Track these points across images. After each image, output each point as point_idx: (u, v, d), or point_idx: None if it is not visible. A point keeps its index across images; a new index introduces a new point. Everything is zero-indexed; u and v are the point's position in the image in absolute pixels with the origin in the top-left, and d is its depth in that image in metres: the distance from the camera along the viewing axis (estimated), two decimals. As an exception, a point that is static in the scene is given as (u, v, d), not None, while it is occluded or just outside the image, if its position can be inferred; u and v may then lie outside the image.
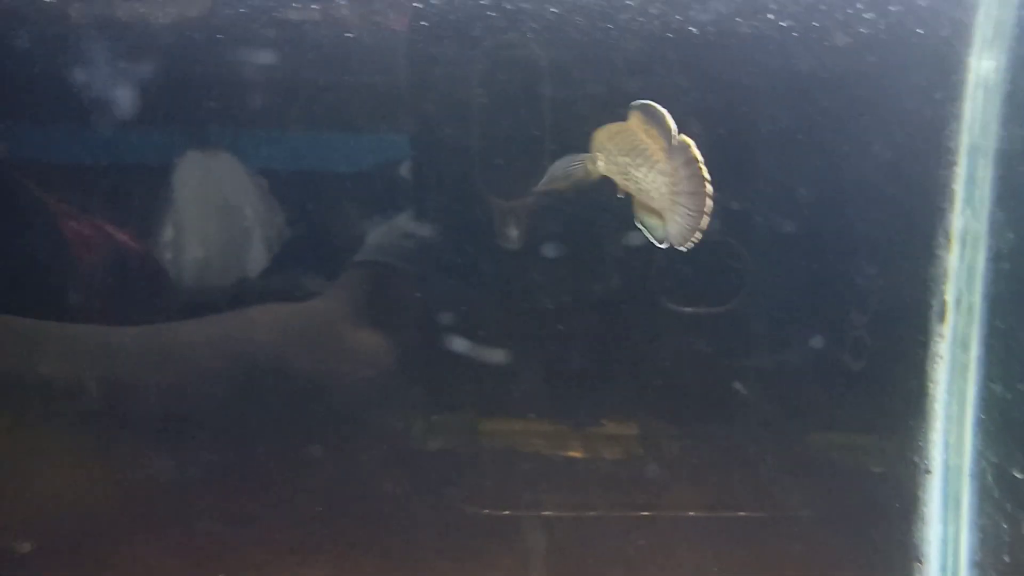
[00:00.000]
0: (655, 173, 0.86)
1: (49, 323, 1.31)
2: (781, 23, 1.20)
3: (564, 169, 1.00)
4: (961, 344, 1.28)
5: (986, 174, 1.25)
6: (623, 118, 0.92)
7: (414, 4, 1.20)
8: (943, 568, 1.31)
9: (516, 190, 1.27)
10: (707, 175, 0.80)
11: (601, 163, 0.96)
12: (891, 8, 1.22)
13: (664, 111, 0.83)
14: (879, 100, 1.26)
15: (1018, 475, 1.21)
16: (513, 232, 1.29)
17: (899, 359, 1.31)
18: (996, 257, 1.24)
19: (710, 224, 0.82)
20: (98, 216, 1.32)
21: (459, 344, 1.31)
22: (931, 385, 1.30)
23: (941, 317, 1.29)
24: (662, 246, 0.89)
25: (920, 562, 1.32)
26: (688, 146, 0.81)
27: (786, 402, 1.33)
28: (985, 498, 1.26)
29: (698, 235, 0.82)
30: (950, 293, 1.28)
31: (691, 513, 1.36)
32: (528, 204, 1.28)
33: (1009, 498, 1.23)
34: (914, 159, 1.27)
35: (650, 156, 0.86)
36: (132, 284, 1.35)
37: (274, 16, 1.21)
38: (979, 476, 1.27)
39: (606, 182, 0.97)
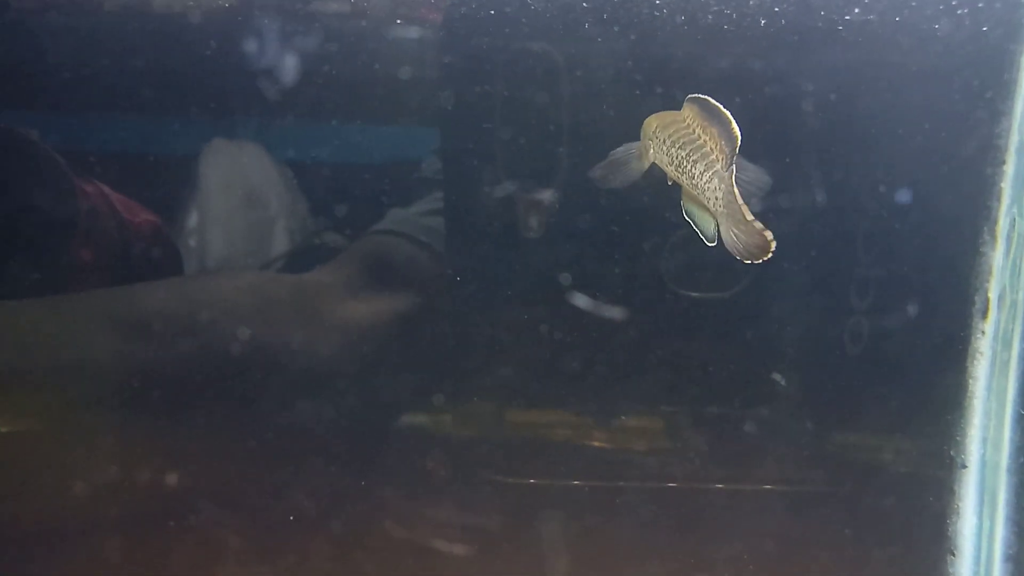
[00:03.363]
0: (712, 174, 0.84)
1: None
2: (825, 14, 1.20)
3: (615, 160, 1.00)
4: (1003, 341, 1.29)
5: (1035, 173, 1.25)
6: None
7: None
8: (976, 561, 1.33)
9: (538, 182, 1.29)
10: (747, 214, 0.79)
11: (651, 151, 0.95)
12: (942, 7, 1.22)
13: (729, 115, 0.81)
14: (930, 98, 1.26)
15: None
16: (534, 222, 1.31)
17: (940, 355, 1.32)
18: (1041, 256, 1.25)
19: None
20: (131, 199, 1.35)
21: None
22: (971, 381, 1.31)
23: (983, 314, 1.30)
24: (711, 244, 0.88)
25: (953, 554, 1.34)
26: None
27: (825, 395, 1.35)
28: (1022, 493, 1.28)
29: (768, 255, 0.81)
30: (993, 290, 1.29)
31: (718, 486, 1.38)
32: (549, 196, 1.30)
33: (1046, 494, 1.25)
34: (962, 157, 1.28)
35: (708, 154, 0.85)
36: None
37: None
38: (1017, 472, 1.28)
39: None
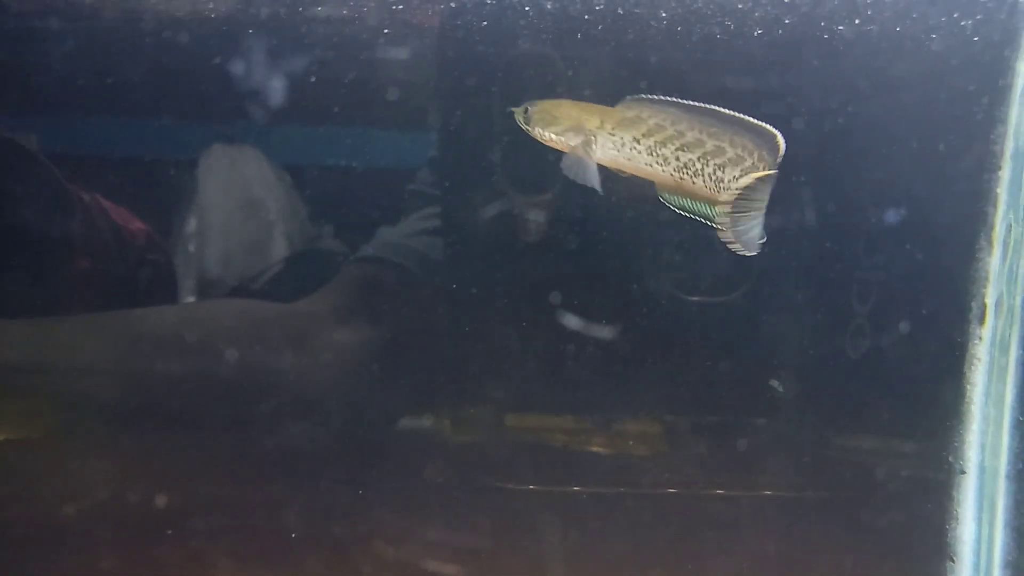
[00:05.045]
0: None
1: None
2: (826, 24, 1.20)
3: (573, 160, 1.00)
4: (1000, 347, 1.29)
5: (1030, 179, 1.26)
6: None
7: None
8: (976, 567, 1.33)
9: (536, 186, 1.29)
10: None
11: (599, 148, 0.96)
12: (939, 13, 1.23)
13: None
14: (926, 103, 1.27)
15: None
16: (532, 226, 1.31)
17: (938, 361, 1.32)
18: (1038, 261, 1.26)
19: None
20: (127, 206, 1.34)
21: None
22: (969, 387, 1.31)
23: (980, 320, 1.30)
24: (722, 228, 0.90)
25: (953, 560, 1.34)
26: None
27: (824, 401, 1.35)
28: (1021, 499, 1.28)
29: None
30: (990, 296, 1.29)
31: (716, 493, 1.38)
32: (547, 200, 1.30)
33: (1045, 500, 1.25)
34: (959, 162, 1.28)
35: (740, 159, 0.89)
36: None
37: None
38: (1015, 478, 1.28)
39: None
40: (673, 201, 0.94)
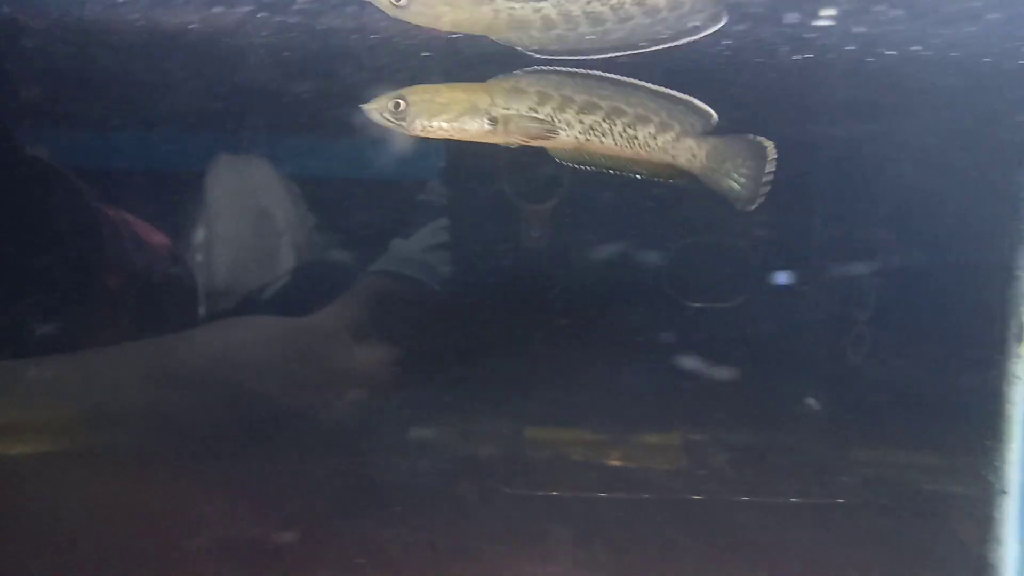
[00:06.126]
0: (677, 136, 0.94)
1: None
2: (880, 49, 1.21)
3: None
4: (1040, 365, 1.29)
5: (1068, 198, 1.26)
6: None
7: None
8: (1018, 588, 1.32)
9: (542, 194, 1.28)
10: None
11: (504, 123, 0.94)
12: (972, 30, 1.23)
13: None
14: (962, 123, 1.28)
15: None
16: (536, 233, 1.30)
17: (977, 380, 1.32)
18: (1077, 280, 1.26)
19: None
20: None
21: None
22: (1009, 406, 1.31)
23: (1019, 338, 1.30)
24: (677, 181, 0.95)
25: (994, 581, 1.33)
26: None
27: (864, 420, 1.34)
28: (1064, 519, 1.27)
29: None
30: (1028, 315, 1.30)
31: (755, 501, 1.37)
32: (552, 207, 1.29)
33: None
34: (996, 182, 1.29)
35: (671, 125, 0.95)
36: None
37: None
38: (1058, 497, 1.28)
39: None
40: (569, 160, 0.96)
